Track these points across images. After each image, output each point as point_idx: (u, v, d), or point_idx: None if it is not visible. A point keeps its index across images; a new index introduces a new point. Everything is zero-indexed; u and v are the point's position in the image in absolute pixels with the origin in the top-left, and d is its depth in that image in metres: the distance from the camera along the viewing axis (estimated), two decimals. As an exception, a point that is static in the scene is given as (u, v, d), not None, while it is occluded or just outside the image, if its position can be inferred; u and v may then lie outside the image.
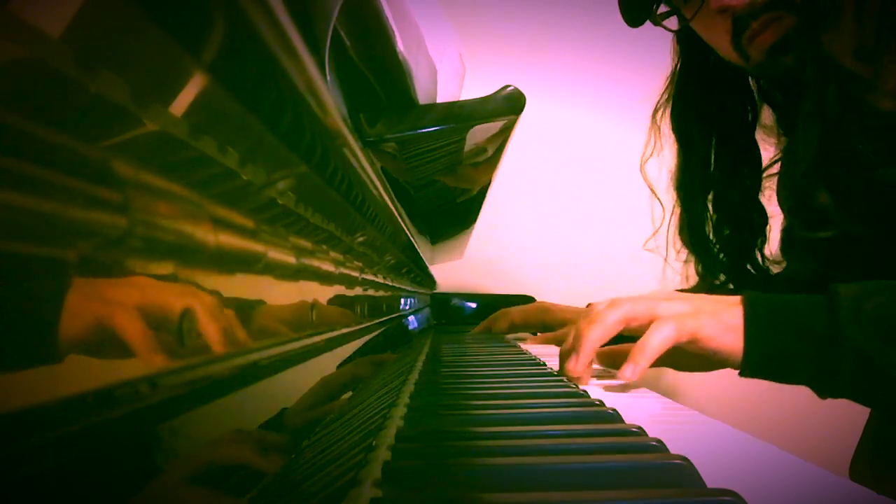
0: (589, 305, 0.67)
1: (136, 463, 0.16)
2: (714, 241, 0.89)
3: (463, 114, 0.58)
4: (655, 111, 0.95)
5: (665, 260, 0.96)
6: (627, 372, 0.59)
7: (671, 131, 0.93)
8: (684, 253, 0.94)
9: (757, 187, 0.86)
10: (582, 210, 1.76)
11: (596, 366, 0.75)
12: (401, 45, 0.48)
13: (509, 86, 0.59)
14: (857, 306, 0.54)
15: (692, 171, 0.88)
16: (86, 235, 0.14)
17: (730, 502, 0.25)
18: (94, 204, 0.15)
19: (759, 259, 0.88)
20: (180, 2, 0.18)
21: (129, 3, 0.16)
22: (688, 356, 0.62)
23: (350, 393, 0.41)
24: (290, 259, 0.31)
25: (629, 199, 1.77)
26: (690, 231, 0.90)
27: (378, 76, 0.51)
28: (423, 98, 0.55)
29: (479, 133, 0.63)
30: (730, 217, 0.88)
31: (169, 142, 0.19)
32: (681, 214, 0.92)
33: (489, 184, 0.86)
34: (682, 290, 0.93)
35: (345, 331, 0.45)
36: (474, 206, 0.95)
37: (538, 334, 1.15)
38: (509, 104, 0.58)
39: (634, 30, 0.79)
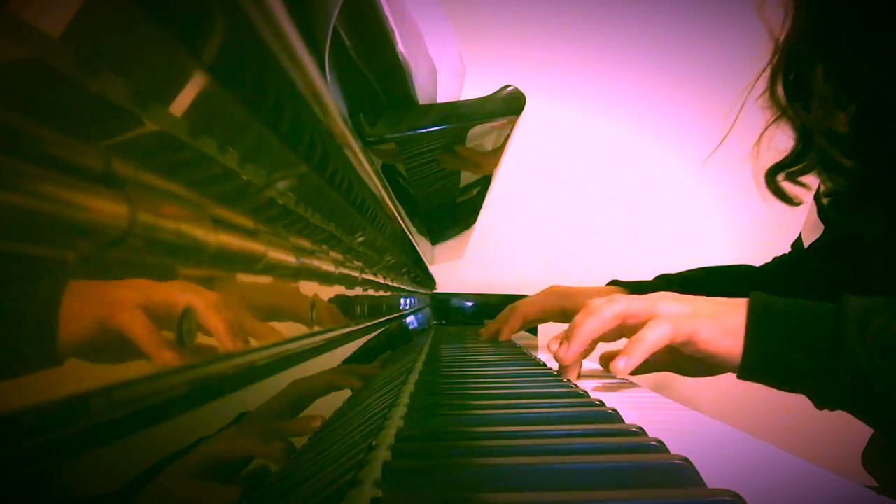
0: (588, 302, 0.67)
1: (136, 463, 0.16)
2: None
3: (463, 114, 0.58)
4: None
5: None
6: (620, 364, 0.58)
7: None
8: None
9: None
10: (582, 209, 1.76)
11: (596, 366, 0.75)
12: (401, 45, 0.48)
13: (509, 86, 0.59)
14: (864, 322, 0.53)
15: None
16: (85, 235, 0.14)
17: (730, 502, 0.25)
18: (94, 204, 0.15)
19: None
20: (180, 2, 0.18)
21: (129, 3, 0.16)
22: (686, 359, 0.62)
23: (350, 393, 0.41)
24: (290, 259, 0.31)
25: (629, 197, 1.78)
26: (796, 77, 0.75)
27: (378, 76, 0.51)
28: (423, 98, 0.55)
29: (479, 133, 0.62)
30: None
31: (169, 142, 0.19)
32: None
33: (489, 184, 0.86)
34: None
35: (345, 331, 0.45)
36: (474, 207, 0.95)
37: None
38: (509, 104, 0.58)
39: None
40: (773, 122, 0.77)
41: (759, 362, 0.57)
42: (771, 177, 0.79)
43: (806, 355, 0.55)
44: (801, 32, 0.72)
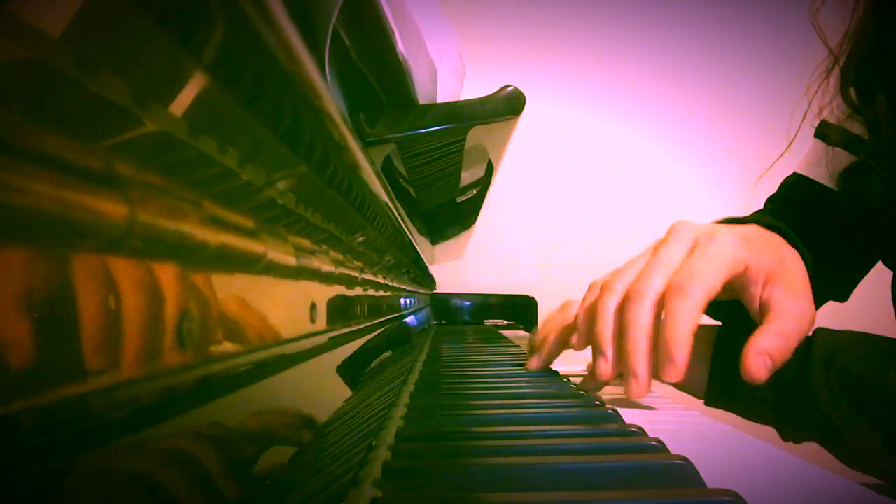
0: (563, 304, 0.67)
1: (135, 464, 0.16)
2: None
3: (463, 114, 0.58)
4: None
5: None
6: (603, 368, 0.57)
7: None
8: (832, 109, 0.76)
9: None
10: (582, 209, 1.76)
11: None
12: (401, 45, 0.48)
13: (509, 86, 0.59)
14: (830, 360, 0.52)
15: None
16: (84, 236, 0.14)
17: (730, 502, 0.25)
18: (94, 204, 0.15)
19: None
20: (180, 2, 0.18)
21: (129, 3, 0.16)
22: None
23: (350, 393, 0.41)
24: (290, 259, 0.31)
25: (629, 197, 1.78)
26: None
27: (378, 76, 0.51)
28: (423, 98, 0.55)
29: (479, 133, 0.63)
30: None
31: (169, 142, 0.19)
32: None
33: (489, 184, 0.86)
34: None
35: (345, 331, 0.45)
36: (474, 206, 0.95)
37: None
38: (509, 104, 0.58)
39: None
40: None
41: (722, 393, 0.57)
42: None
43: (769, 390, 0.54)
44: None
